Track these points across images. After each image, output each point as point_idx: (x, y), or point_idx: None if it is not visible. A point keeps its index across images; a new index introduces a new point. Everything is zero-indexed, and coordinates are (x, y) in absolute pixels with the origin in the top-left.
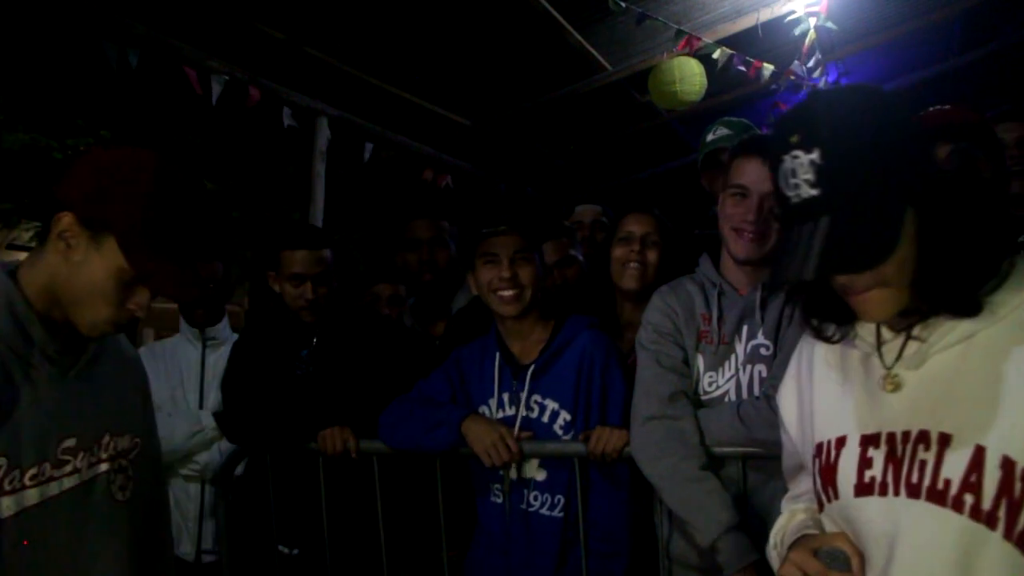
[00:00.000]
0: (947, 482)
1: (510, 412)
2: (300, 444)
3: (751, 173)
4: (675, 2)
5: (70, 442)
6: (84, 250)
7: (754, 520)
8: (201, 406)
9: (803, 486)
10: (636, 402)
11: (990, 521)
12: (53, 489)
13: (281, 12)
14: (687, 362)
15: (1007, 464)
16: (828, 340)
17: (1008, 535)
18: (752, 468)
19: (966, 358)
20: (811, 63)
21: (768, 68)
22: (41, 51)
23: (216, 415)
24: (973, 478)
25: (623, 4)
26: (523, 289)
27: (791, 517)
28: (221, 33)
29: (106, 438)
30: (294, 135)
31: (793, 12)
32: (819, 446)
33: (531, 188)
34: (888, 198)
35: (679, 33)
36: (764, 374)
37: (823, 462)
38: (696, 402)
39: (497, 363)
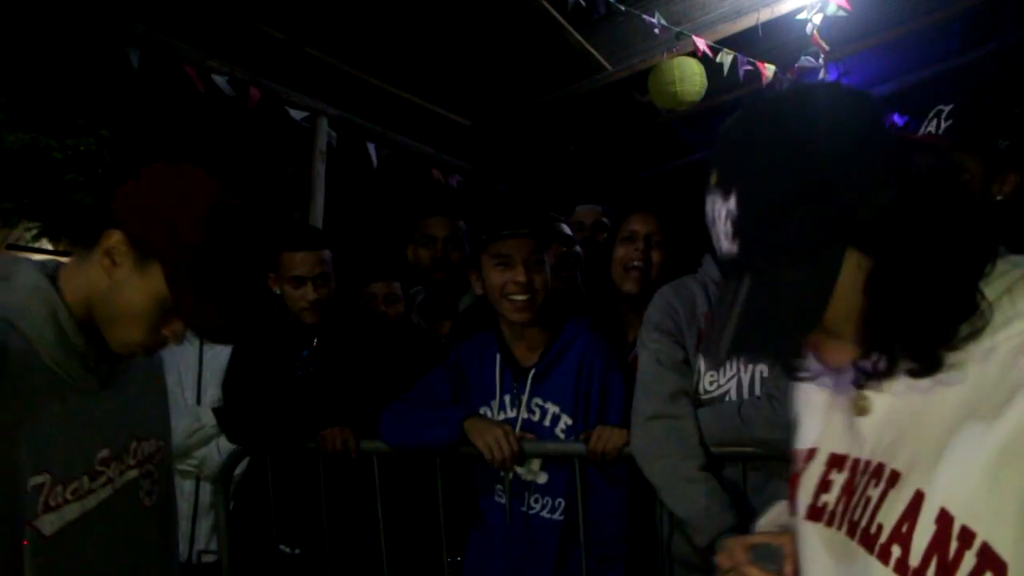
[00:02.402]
0: (880, 527)
1: (512, 414)
2: (300, 444)
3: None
4: (675, 2)
5: (104, 452)
6: (128, 270)
7: (754, 520)
8: (199, 403)
9: None
10: (636, 401)
11: None
12: (91, 502)
13: (281, 12)
14: (688, 361)
15: (943, 518)
16: (800, 377)
17: None
18: (752, 468)
19: (937, 392)
20: (812, 61)
21: (770, 68)
22: (42, 51)
23: (215, 411)
24: (904, 528)
25: (619, 7)
26: (536, 294)
27: (778, 512)
28: (221, 33)
29: (134, 444)
30: (294, 135)
31: (794, 11)
32: (795, 453)
33: (531, 188)
34: (820, 251)
35: (681, 36)
36: (765, 374)
37: (792, 471)
38: (697, 401)
39: (498, 365)
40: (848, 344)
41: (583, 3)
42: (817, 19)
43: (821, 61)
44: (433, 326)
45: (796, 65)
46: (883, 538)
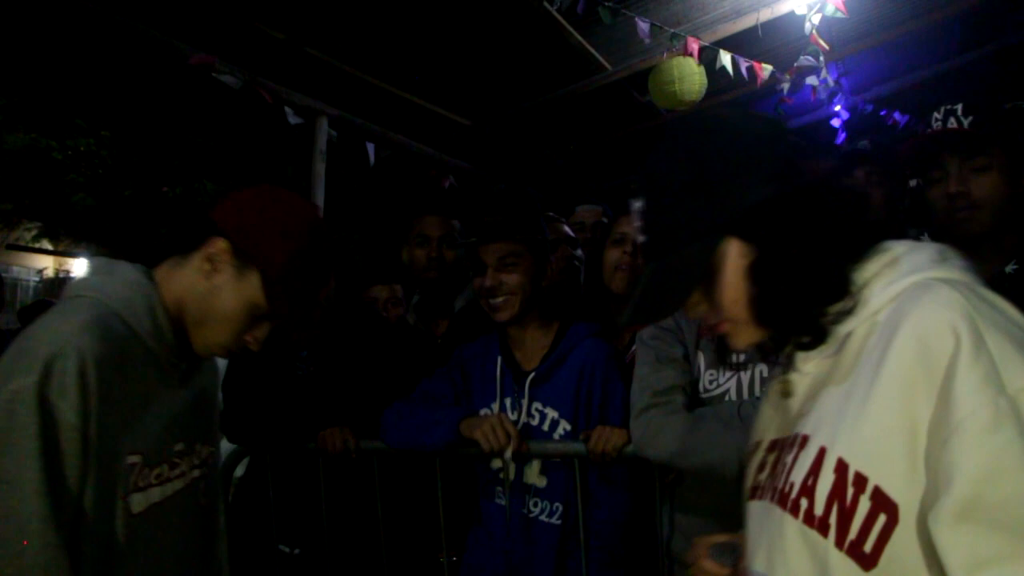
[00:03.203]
0: (791, 485)
1: (512, 418)
2: (300, 444)
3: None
4: (675, 2)
5: (180, 446)
6: (227, 276)
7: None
8: None
9: None
10: (632, 397)
11: (822, 528)
12: (169, 489)
13: (281, 12)
14: (687, 359)
15: (840, 467)
16: (732, 365)
17: (839, 544)
18: None
19: (838, 361)
20: (811, 61)
21: (767, 69)
22: (42, 51)
23: None
24: (810, 481)
25: (622, 10)
26: (510, 296)
27: None
28: (222, 33)
29: (198, 444)
30: (294, 135)
31: (794, 11)
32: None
33: (531, 188)
34: (699, 239)
35: (676, 37)
36: (765, 374)
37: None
38: (696, 400)
39: (499, 368)
40: (745, 326)
41: (562, 3)
42: (816, 19)
43: (821, 61)
44: (429, 326)
45: (795, 65)
46: (794, 493)
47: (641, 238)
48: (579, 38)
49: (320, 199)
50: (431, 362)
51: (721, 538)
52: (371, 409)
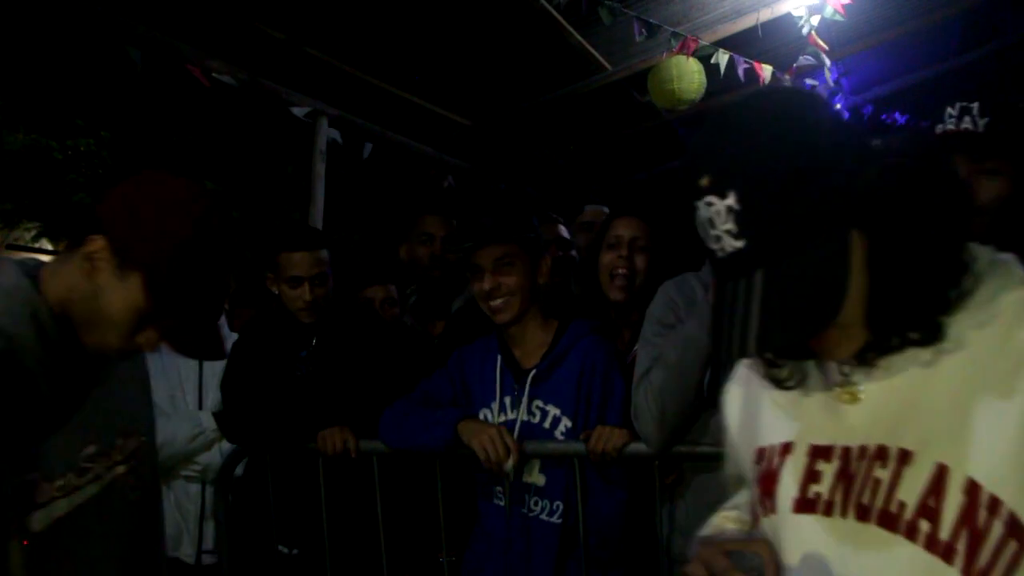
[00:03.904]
0: (901, 505)
1: (512, 416)
2: (300, 444)
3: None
4: (675, 2)
5: (91, 449)
6: (108, 277)
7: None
8: (200, 407)
9: (740, 498)
10: (633, 392)
11: (947, 554)
12: (79, 498)
13: (281, 12)
14: None
15: (972, 488)
16: (782, 385)
17: (967, 572)
18: None
19: (936, 370)
20: (811, 60)
21: (767, 69)
22: (42, 51)
23: (216, 415)
24: (931, 502)
25: (622, 9)
26: (510, 296)
27: (720, 525)
28: (221, 33)
29: (120, 440)
30: (294, 135)
31: (792, 13)
32: (760, 451)
33: (531, 188)
34: (828, 232)
35: (675, 36)
36: None
37: (763, 469)
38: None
39: (498, 366)
40: (853, 330)
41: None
42: (815, 20)
43: (824, 59)
44: (425, 327)
45: (795, 65)
46: (908, 515)
47: (736, 243)
48: (579, 38)
49: (320, 199)
50: (429, 362)
51: (729, 546)
52: (370, 409)
